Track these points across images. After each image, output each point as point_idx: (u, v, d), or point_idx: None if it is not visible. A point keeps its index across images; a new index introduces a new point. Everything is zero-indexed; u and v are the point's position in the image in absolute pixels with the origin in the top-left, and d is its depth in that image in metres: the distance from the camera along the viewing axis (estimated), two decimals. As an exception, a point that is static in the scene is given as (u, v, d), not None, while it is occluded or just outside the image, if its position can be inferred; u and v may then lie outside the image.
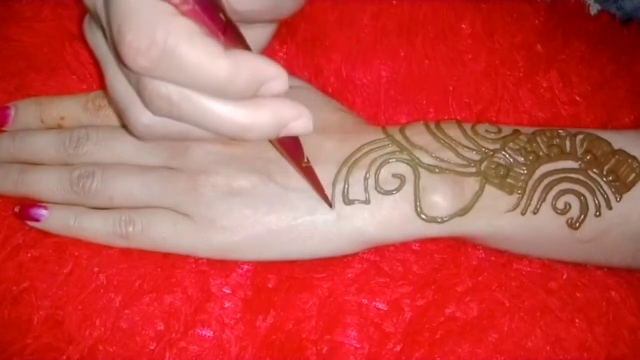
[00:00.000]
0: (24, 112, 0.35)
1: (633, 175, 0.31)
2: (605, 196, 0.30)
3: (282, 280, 0.32)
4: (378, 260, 0.32)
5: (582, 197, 0.30)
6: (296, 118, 0.25)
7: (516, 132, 0.32)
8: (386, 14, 0.37)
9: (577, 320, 0.30)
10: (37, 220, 0.32)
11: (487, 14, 0.37)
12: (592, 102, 0.36)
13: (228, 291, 0.31)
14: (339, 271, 0.32)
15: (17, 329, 0.30)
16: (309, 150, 0.29)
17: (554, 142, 0.31)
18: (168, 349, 0.30)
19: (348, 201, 0.31)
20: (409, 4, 0.37)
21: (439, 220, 0.30)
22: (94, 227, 0.32)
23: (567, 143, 0.31)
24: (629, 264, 0.32)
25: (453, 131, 0.32)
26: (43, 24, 0.37)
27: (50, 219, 0.32)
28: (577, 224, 0.30)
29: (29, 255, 0.32)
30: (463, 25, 0.37)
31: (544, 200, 0.30)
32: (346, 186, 0.31)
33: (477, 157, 0.31)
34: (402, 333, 0.30)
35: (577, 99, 0.36)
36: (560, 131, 0.32)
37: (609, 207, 0.30)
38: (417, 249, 0.32)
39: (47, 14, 0.37)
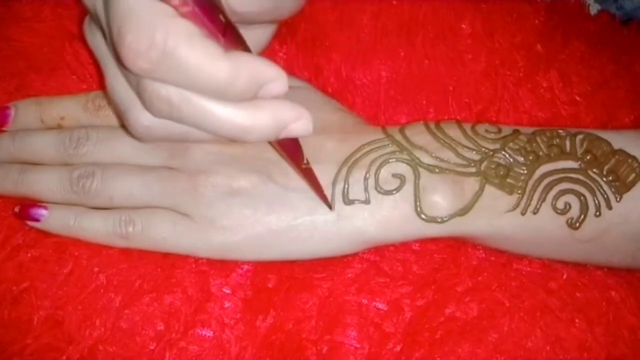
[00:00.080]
0: (24, 112, 0.35)
1: (633, 175, 0.31)
2: (605, 196, 0.30)
3: (282, 280, 0.32)
4: (378, 260, 0.32)
5: (582, 197, 0.30)
6: (296, 120, 0.25)
7: (516, 132, 0.32)
8: (386, 14, 0.37)
9: (577, 320, 0.30)
10: (37, 220, 0.32)
11: (487, 14, 0.37)
12: (592, 102, 0.36)
13: (228, 291, 0.31)
14: (339, 271, 0.32)
15: (17, 329, 0.30)
16: (309, 150, 0.29)
17: (554, 142, 0.31)
18: (168, 349, 0.30)
19: (348, 201, 0.31)
20: (409, 4, 0.37)
21: (439, 220, 0.30)
22: (94, 227, 0.32)
23: (567, 143, 0.31)
24: (629, 264, 0.32)
25: (453, 131, 0.32)
26: (43, 24, 0.37)
27: (50, 219, 0.32)
28: (577, 224, 0.30)
29: (29, 255, 0.32)
30: (463, 25, 0.37)
31: (544, 200, 0.30)
32: (346, 186, 0.31)
33: (477, 157, 0.31)
34: (402, 333, 0.30)
35: (577, 99, 0.36)
36: (560, 131, 0.32)
37: (609, 207, 0.30)
38: (417, 249, 0.32)
39: (47, 14, 0.37)
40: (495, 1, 0.37)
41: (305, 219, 0.31)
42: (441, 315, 0.31)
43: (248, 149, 0.32)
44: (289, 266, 0.32)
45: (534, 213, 0.30)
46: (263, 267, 0.32)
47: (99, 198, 0.32)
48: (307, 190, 0.31)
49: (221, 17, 0.24)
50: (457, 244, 0.33)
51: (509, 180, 0.31)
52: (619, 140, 0.31)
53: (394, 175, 0.31)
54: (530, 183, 0.31)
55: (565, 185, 0.31)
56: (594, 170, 0.31)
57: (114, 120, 0.34)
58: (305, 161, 0.29)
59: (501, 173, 0.31)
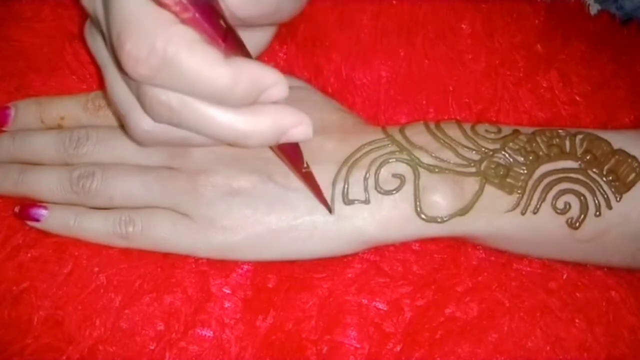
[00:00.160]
0: (24, 112, 0.35)
1: (633, 175, 0.31)
2: (605, 196, 0.30)
3: (282, 280, 0.32)
4: (378, 260, 0.32)
5: (582, 197, 0.30)
6: (296, 125, 0.25)
7: (516, 132, 0.32)
8: (386, 14, 0.37)
9: (577, 320, 0.30)
10: (37, 220, 0.32)
11: (487, 14, 0.37)
12: (592, 102, 0.36)
13: (228, 291, 0.31)
14: (339, 271, 0.32)
15: (17, 329, 0.30)
16: (309, 150, 0.29)
17: (554, 142, 0.31)
18: (168, 349, 0.30)
19: (348, 201, 0.31)
20: (409, 4, 0.37)
21: (439, 220, 0.30)
22: (94, 227, 0.32)
23: (567, 143, 0.31)
24: (629, 264, 0.32)
25: (453, 131, 0.32)
26: (43, 24, 0.37)
27: (50, 219, 0.32)
28: (577, 224, 0.30)
29: (29, 255, 0.32)
30: (463, 25, 0.37)
31: (543, 200, 0.30)
32: (346, 186, 0.31)
33: (477, 157, 0.31)
34: (402, 333, 0.30)
35: (577, 99, 0.36)
36: (560, 131, 0.32)
37: (609, 207, 0.30)
38: (417, 249, 0.32)
39: (47, 14, 0.37)
40: (495, 1, 0.37)
41: (305, 219, 0.31)
42: (441, 315, 0.31)
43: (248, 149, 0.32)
44: (289, 266, 0.32)
45: (534, 213, 0.30)
46: (263, 267, 0.32)
47: (99, 198, 0.32)
48: (307, 190, 0.31)
49: (221, 22, 0.24)
50: (457, 244, 0.33)
51: (508, 180, 0.31)
52: (618, 140, 0.31)
53: (394, 175, 0.31)
54: (530, 183, 0.31)
55: (565, 185, 0.31)
56: (594, 170, 0.31)
57: (114, 120, 0.34)
58: (305, 165, 0.29)
59: (501, 173, 0.31)
